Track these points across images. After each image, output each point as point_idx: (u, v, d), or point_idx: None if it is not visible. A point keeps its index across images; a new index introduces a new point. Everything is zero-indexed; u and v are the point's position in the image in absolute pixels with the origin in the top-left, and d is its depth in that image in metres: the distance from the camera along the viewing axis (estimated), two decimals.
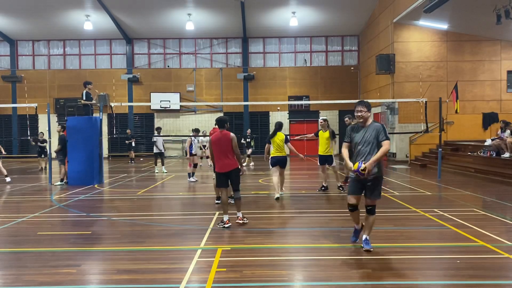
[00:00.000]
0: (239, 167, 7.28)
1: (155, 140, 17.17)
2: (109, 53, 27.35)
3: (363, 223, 5.77)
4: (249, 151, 20.18)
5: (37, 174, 16.81)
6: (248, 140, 20.50)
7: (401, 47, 20.45)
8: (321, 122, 10.83)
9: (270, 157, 10.13)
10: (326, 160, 10.76)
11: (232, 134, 7.24)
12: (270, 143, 10.24)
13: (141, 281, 4.60)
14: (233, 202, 7.95)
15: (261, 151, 24.80)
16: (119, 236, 6.63)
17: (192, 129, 14.91)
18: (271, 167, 10.12)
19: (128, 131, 23.65)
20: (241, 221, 7.15)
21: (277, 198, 9.73)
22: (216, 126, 7.54)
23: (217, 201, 8.95)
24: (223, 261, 5.19)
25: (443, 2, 15.13)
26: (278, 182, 10.00)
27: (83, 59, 27.39)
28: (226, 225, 6.96)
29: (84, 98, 13.26)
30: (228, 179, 7.21)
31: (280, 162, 10.05)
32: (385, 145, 5.30)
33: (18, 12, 23.70)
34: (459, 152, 17.56)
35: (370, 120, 5.50)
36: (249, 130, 22.28)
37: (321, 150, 10.75)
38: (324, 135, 10.69)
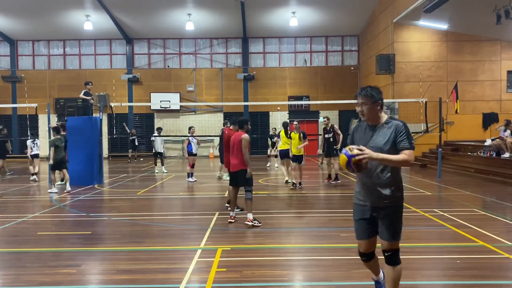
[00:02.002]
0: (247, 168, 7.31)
1: (153, 139, 17.14)
2: (109, 53, 27.33)
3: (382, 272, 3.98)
4: (273, 151, 19.50)
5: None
6: (273, 140, 20.20)
7: (401, 47, 20.44)
8: (295, 124, 11.96)
9: (278, 151, 12.49)
10: (296, 158, 11.73)
11: (244, 135, 7.19)
12: (279, 137, 12.57)
13: (141, 281, 4.60)
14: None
15: (262, 150, 24.86)
16: (119, 236, 6.63)
17: (189, 129, 14.65)
18: (280, 159, 12.63)
19: (133, 130, 23.76)
20: (250, 223, 6.93)
21: (287, 181, 12.38)
22: (229, 127, 8.41)
23: (227, 204, 8.68)
24: (223, 261, 5.19)
25: (443, 2, 15.12)
26: (286, 170, 12.51)
27: (83, 59, 27.38)
28: (230, 220, 7.16)
29: (83, 97, 13.31)
30: (236, 178, 7.34)
31: (284, 154, 12.24)
32: (406, 154, 3.34)
33: (18, 12, 23.69)
34: (459, 152, 17.56)
35: (385, 117, 3.55)
36: (274, 128, 22.20)
37: (294, 150, 11.74)
38: (295, 136, 11.67)
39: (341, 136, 12.99)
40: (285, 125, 12.35)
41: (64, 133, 13.19)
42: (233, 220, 7.22)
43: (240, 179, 7.27)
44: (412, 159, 3.38)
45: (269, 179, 14.10)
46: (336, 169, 12.85)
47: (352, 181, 12.83)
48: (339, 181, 12.67)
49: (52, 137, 11.75)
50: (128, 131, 23.57)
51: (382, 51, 21.51)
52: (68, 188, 11.42)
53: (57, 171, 11.55)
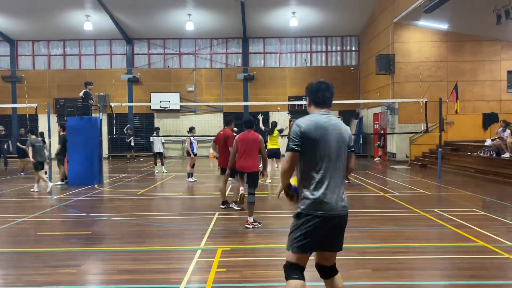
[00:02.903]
0: (260, 170, 7.34)
1: (152, 140, 17.16)
2: (109, 53, 27.33)
3: None
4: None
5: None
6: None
7: (401, 47, 20.44)
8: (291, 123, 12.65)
9: (267, 150, 12.70)
10: None
11: (260, 137, 7.33)
12: (267, 136, 13.00)
13: (141, 281, 4.59)
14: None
15: None
16: (119, 236, 6.63)
17: (188, 130, 14.70)
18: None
19: (129, 131, 23.69)
20: (250, 226, 6.89)
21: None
22: (226, 127, 8.66)
23: (222, 206, 8.76)
24: (223, 261, 5.19)
25: (443, 2, 15.12)
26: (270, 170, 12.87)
27: (83, 59, 27.37)
28: (250, 227, 6.94)
29: (82, 96, 13.33)
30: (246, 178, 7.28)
31: (274, 154, 12.70)
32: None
33: (18, 12, 23.69)
34: (459, 152, 17.55)
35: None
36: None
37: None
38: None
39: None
40: (273, 124, 12.96)
41: (64, 133, 13.22)
42: (237, 206, 7.46)
43: (250, 181, 7.18)
44: (283, 163, 3.23)
45: (269, 179, 14.10)
46: None
47: (355, 182, 12.83)
48: (348, 182, 12.62)
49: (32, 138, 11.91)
50: (128, 133, 23.51)
51: (382, 51, 21.51)
52: (36, 189, 11.46)
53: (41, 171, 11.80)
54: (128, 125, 24.52)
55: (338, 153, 3.18)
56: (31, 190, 11.46)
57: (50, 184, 11.66)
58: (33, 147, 11.56)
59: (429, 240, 6.27)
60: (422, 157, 19.27)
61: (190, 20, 24.19)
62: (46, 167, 14.99)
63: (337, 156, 3.17)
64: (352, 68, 26.57)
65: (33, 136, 11.99)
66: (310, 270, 4.93)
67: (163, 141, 17.26)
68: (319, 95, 3.27)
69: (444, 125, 18.23)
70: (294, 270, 3.19)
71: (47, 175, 14.46)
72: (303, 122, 3.18)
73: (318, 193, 3.13)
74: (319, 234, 3.15)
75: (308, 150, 3.14)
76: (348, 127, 3.35)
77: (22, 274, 4.87)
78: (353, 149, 3.34)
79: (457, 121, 19.47)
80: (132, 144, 23.49)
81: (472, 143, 17.24)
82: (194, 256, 5.38)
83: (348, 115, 25.43)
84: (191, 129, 14.34)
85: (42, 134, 15.78)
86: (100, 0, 22.33)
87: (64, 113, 16.45)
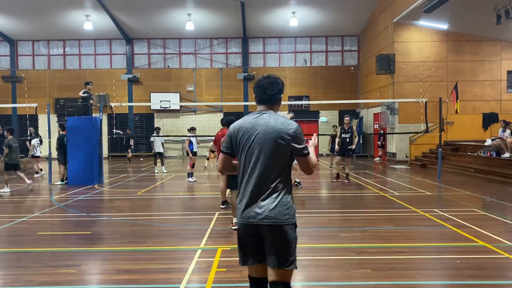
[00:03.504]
0: None
1: (152, 140, 17.19)
2: (109, 53, 27.33)
3: None
4: None
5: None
6: None
7: (401, 47, 20.44)
8: None
9: None
10: None
11: None
12: None
13: (141, 281, 4.60)
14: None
15: None
16: (119, 236, 6.63)
17: (188, 129, 14.75)
18: None
19: (128, 130, 23.68)
20: None
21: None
22: (223, 127, 8.13)
23: (222, 206, 8.73)
24: (223, 261, 5.19)
25: (443, 2, 15.13)
26: None
27: (83, 59, 27.37)
28: (233, 228, 6.88)
29: (83, 96, 13.35)
30: None
31: None
32: None
33: (18, 12, 23.69)
34: (459, 152, 17.56)
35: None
36: None
37: None
38: None
39: (356, 138, 13.17)
40: None
41: (64, 133, 13.23)
42: (235, 227, 6.97)
43: None
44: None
45: None
46: (346, 169, 12.93)
47: (356, 182, 12.83)
48: (348, 182, 12.65)
49: (8, 138, 11.88)
50: (122, 133, 23.45)
51: (382, 51, 21.50)
52: (28, 181, 11.73)
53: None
54: (113, 130, 24.15)
55: (260, 154, 2.84)
56: (29, 188, 11.52)
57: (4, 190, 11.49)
58: (9, 147, 11.49)
59: (429, 240, 6.28)
60: (422, 157, 19.27)
61: (190, 20, 24.19)
62: (42, 165, 15.20)
63: (257, 158, 2.84)
64: (352, 68, 26.57)
65: (11, 136, 11.92)
66: (309, 270, 4.94)
67: (163, 141, 17.28)
68: (258, 92, 3.03)
69: (444, 125, 18.23)
70: (250, 283, 3.08)
71: (42, 172, 14.71)
72: (233, 124, 3.07)
73: (237, 199, 2.98)
74: (245, 244, 2.95)
75: (237, 153, 2.99)
76: (290, 126, 2.86)
77: (22, 274, 4.87)
78: (302, 153, 2.92)
79: (457, 121, 19.47)
80: (131, 143, 23.44)
81: (472, 143, 17.24)
82: (194, 256, 5.38)
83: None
84: (192, 129, 14.36)
85: (38, 134, 15.92)
86: (100, 0, 22.32)
87: (64, 113, 16.48)
